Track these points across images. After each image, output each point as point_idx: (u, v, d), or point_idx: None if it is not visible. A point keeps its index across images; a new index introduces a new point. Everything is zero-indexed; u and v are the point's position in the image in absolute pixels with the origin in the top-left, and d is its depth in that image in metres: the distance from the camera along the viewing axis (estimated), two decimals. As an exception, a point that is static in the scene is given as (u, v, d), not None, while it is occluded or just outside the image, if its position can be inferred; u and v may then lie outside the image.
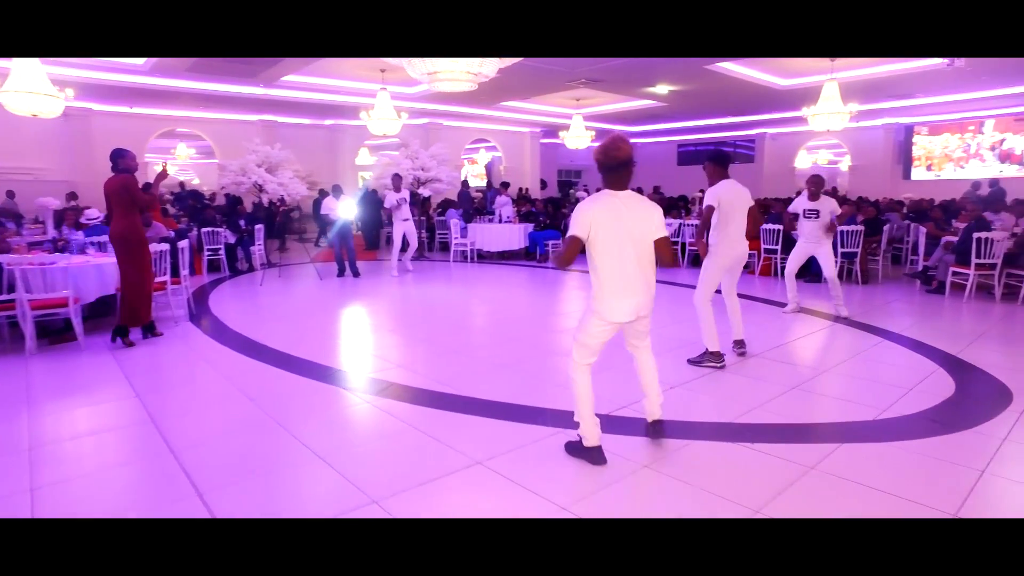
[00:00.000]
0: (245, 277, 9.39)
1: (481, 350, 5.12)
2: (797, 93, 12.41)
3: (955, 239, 7.73)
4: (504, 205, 12.19)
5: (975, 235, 6.94)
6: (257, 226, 10.07)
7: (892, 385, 4.07)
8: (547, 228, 11.57)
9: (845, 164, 18.23)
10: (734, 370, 4.47)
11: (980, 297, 7.19)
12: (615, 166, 2.78)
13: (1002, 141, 15.27)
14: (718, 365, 4.47)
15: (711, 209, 4.36)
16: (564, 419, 3.41)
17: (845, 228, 8.08)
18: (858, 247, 8.08)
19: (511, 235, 11.38)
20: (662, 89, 12.82)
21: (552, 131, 18.11)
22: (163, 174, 5.38)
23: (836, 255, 6.40)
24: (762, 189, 17.33)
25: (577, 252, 2.77)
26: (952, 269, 7.33)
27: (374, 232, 12.99)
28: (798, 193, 7.11)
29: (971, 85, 12.34)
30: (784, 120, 16.34)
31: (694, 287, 4.62)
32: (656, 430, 3.15)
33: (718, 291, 4.64)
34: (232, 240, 9.83)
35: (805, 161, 19.33)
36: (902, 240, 9.92)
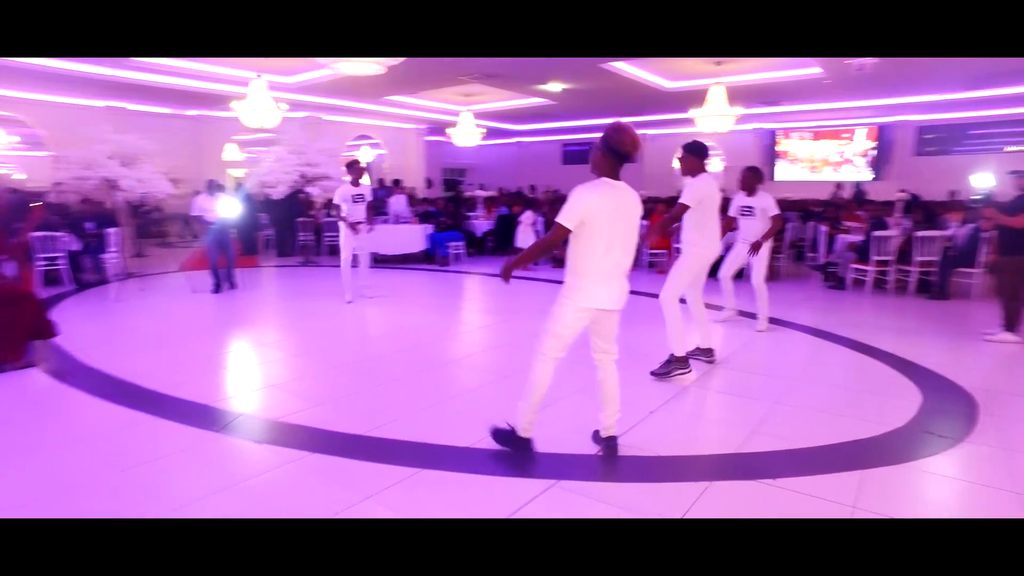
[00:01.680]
0: (95, 291, 7.75)
1: (417, 377, 4.32)
2: (682, 95, 12.75)
3: (852, 238, 8.12)
4: (400, 204, 11.30)
5: (874, 234, 7.29)
6: (111, 230, 8.36)
7: (865, 392, 3.92)
8: (449, 229, 10.84)
9: (718, 166, 19.24)
10: (706, 385, 4.12)
11: (876, 291, 7.55)
12: (627, 156, 2.72)
13: (843, 151, 16.99)
14: (685, 371, 4.13)
15: (684, 208, 3.98)
16: (555, 467, 2.83)
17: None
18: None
19: (410, 237, 10.54)
20: (555, 87, 12.61)
21: (438, 128, 17.37)
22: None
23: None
24: (644, 188, 17.86)
25: (561, 241, 2.72)
26: (852, 266, 7.68)
27: (251, 235, 11.54)
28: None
29: (831, 96, 13.35)
30: (666, 122, 16.86)
31: (649, 294, 4.22)
32: (610, 447, 2.99)
33: (681, 300, 4.26)
34: (77, 247, 8.11)
35: (683, 162, 20.18)
36: (801, 238, 10.41)
